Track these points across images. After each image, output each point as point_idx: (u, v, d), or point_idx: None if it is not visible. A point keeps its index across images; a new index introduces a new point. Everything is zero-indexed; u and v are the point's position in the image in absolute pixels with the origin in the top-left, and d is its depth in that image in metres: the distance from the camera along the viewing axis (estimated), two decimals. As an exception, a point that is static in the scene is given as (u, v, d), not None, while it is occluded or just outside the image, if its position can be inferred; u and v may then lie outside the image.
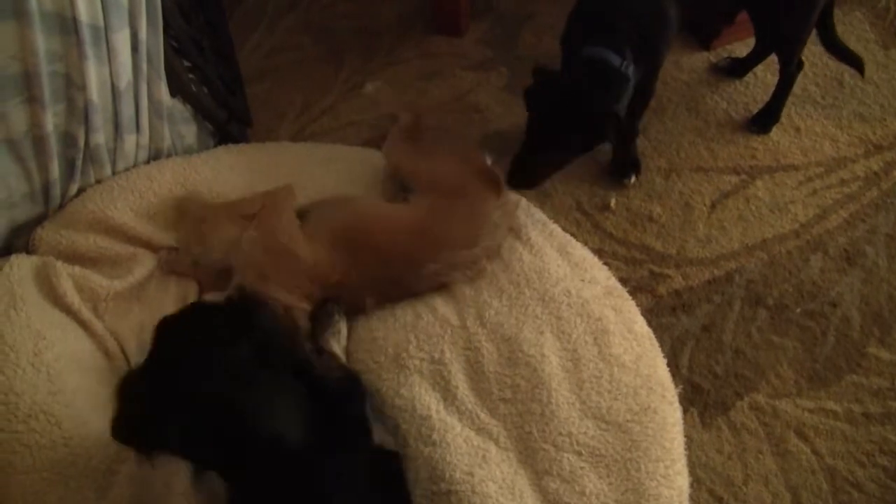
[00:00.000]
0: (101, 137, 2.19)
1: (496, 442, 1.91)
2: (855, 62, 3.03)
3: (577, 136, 2.45)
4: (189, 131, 2.53)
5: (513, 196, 2.33)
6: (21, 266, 2.08)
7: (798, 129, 3.08)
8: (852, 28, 3.38)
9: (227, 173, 2.39)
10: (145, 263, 2.19)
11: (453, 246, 2.14)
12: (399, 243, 2.12)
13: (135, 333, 2.09)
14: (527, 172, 2.47)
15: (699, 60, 3.33)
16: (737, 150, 3.04)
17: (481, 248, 2.17)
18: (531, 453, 1.90)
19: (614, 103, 2.46)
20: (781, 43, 2.94)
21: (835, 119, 3.12)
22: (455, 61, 3.37)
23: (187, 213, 2.28)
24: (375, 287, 2.11)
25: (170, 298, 2.16)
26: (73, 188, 2.25)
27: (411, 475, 1.86)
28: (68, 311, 2.04)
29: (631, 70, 2.47)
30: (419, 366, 2.00)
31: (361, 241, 2.10)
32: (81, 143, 2.17)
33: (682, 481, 1.92)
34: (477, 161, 2.36)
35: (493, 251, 2.20)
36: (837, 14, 3.33)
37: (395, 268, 2.11)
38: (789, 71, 2.96)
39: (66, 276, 2.08)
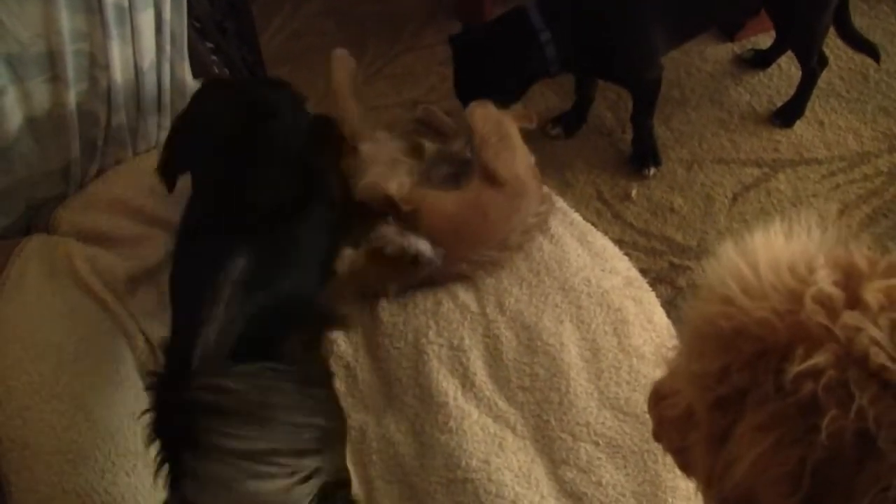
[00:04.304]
0: (122, 117, 2.19)
1: (513, 430, 1.91)
2: (870, 51, 3.02)
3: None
4: (210, 113, 2.53)
5: (549, 203, 2.30)
6: (41, 246, 2.08)
7: (822, 123, 3.06)
8: (878, 21, 3.36)
9: (247, 155, 2.39)
10: (164, 245, 2.19)
11: (486, 244, 2.13)
12: (440, 233, 2.10)
13: (153, 314, 2.09)
14: None
15: (723, 51, 3.31)
16: (759, 142, 3.02)
17: (509, 248, 2.16)
18: (548, 442, 1.90)
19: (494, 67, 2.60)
20: (797, 40, 2.94)
21: (859, 113, 3.10)
22: (478, 47, 3.36)
23: None
24: (403, 271, 2.09)
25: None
26: (94, 168, 2.25)
27: (427, 462, 1.86)
28: (88, 291, 2.04)
29: (546, 38, 2.56)
30: (438, 352, 2.00)
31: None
32: (103, 122, 2.17)
33: (700, 474, 1.91)
34: (530, 159, 2.34)
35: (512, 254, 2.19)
36: (863, 7, 3.32)
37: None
38: (810, 67, 2.95)
39: (86, 257, 2.08)
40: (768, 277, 0.88)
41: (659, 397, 1.08)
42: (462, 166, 2.30)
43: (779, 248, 0.91)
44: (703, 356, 0.92)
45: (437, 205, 2.13)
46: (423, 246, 2.06)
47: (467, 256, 2.12)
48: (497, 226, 2.14)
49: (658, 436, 1.12)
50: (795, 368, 0.82)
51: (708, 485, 0.99)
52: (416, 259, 2.06)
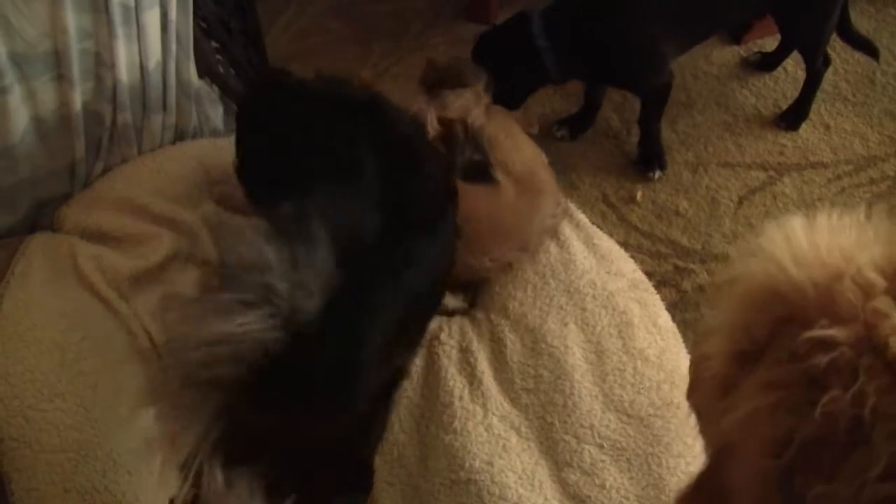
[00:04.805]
0: (128, 117, 2.19)
1: (517, 432, 1.91)
2: (869, 49, 3.03)
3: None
4: (215, 112, 2.53)
5: (563, 204, 2.31)
6: (45, 245, 2.08)
7: (828, 127, 3.06)
8: (885, 24, 3.35)
9: (252, 155, 2.39)
10: (168, 244, 2.18)
11: (510, 244, 2.13)
12: (475, 230, 2.10)
13: (157, 314, 2.09)
14: None
15: (729, 54, 3.31)
16: (765, 146, 3.01)
17: (529, 249, 2.16)
18: (552, 444, 1.89)
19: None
20: (803, 42, 2.94)
21: (865, 117, 3.09)
22: (484, 48, 3.36)
23: None
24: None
25: (190, 280, 2.16)
26: (99, 167, 2.25)
27: (430, 463, 1.86)
28: (91, 290, 2.04)
29: (544, 45, 2.60)
30: (449, 352, 2.00)
31: None
32: (108, 121, 2.17)
33: (704, 478, 1.91)
34: (543, 158, 2.35)
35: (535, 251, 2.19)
36: (870, 10, 3.31)
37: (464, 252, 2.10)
38: (815, 68, 2.95)
39: (90, 256, 2.08)
40: (820, 252, 0.89)
41: (702, 357, 1.09)
42: (470, 169, 2.30)
43: (841, 232, 0.92)
44: (736, 308, 0.94)
45: (474, 200, 2.13)
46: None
47: (493, 255, 2.13)
48: (522, 225, 2.15)
49: (689, 395, 1.14)
50: (811, 334, 0.83)
51: (705, 434, 1.01)
52: None
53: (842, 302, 0.83)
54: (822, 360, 0.81)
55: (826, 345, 0.81)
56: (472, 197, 2.14)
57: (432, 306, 1.89)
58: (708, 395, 0.99)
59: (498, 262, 2.13)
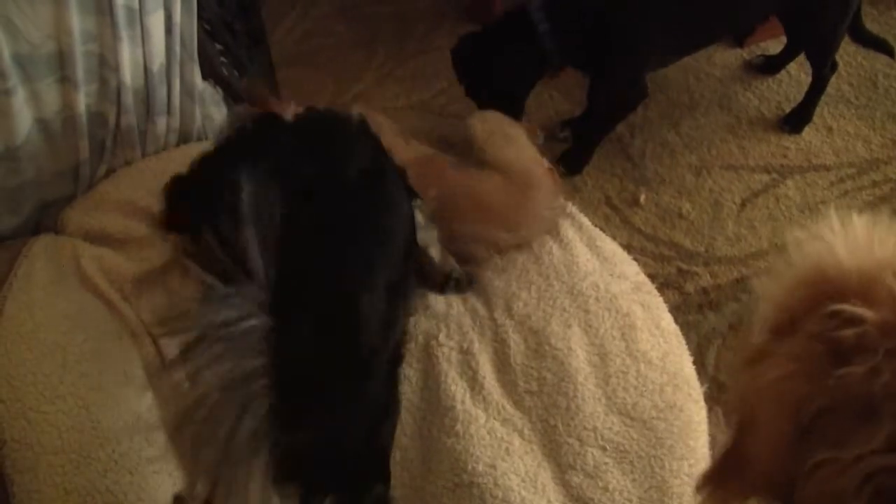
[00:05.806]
0: (132, 119, 2.19)
1: (520, 434, 1.90)
2: (883, 48, 3.03)
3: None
4: (219, 115, 2.53)
5: (562, 202, 2.31)
6: (48, 246, 2.08)
7: (830, 129, 3.06)
8: (889, 28, 3.36)
9: (256, 158, 2.38)
10: (171, 246, 2.19)
11: (499, 227, 2.14)
12: (465, 205, 2.15)
13: (160, 316, 2.09)
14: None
15: (732, 57, 3.32)
16: (768, 148, 3.02)
17: (518, 235, 2.16)
18: (555, 447, 1.89)
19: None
20: (814, 47, 2.93)
21: (868, 120, 3.09)
22: (487, 50, 3.36)
23: None
24: None
25: (193, 282, 2.16)
26: (103, 169, 2.25)
27: (433, 466, 1.86)
28: (95, 292, 2.04)
29: (545, 29, 2.59)
30: (448, 354, 1.99)
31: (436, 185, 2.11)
32: (112, 123, 2.17)
33: (706, 480, 1.91)
34: (541, 159, 2.36)
35: (526, 243, 2.19)
36: (873, 13, 3.31)
37: (447, 225, 2.12)
38: (823, 73, 2.95)
39: (93, 258, 2.08)
40: (873, 244, 0.92)
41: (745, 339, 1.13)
42: None
43: None
44: (784, 286, 0.97)
45: (453, 174, 2.20)
46: None
47: (481, 235, 2.14)
48: (510, 210, 2.17)
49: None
50: (842, 307, 0.86)
51: (732, 405, 1.05)
52: None
53: (880, 288, 0.86)
54: (849, 334, 0.84)
55: (854, 321, 0.84)
56: (451, 173, 2.20)
57: (407, 270, 1.92)
58: (740, 365, 1.01)
59: (485, 242, 2.14)
